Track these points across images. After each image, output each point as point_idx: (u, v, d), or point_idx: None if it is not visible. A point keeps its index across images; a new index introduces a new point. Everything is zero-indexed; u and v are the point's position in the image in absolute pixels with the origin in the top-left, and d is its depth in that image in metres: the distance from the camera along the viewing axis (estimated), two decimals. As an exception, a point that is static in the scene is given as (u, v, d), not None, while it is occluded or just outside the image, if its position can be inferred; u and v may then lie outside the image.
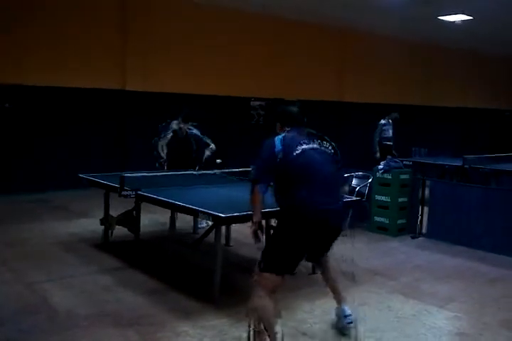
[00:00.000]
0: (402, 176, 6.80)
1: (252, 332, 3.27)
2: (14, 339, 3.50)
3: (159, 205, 4.74)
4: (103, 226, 5.80)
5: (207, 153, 6.87)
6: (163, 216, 6.47)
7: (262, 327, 3.20)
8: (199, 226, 6.37)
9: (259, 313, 3.21)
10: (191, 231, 6.38)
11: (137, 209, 5.35)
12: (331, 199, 3.30)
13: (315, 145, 3.37)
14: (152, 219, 6.75)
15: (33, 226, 6.66)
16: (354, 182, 7.21)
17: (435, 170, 9.55)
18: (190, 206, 4.25)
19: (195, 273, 5.01)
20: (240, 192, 4.52)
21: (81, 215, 7.37)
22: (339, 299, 3.78)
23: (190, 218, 5.89)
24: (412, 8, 10.28)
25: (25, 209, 7.69)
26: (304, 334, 3.68)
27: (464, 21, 11.35)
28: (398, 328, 3.83)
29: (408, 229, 6.78)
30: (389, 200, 6.76)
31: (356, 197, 5.98)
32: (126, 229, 5.53)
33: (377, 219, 6.87)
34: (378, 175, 6.89)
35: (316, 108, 11.85)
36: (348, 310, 3.71)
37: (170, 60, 10.30)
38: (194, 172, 6.20)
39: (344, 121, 13.25)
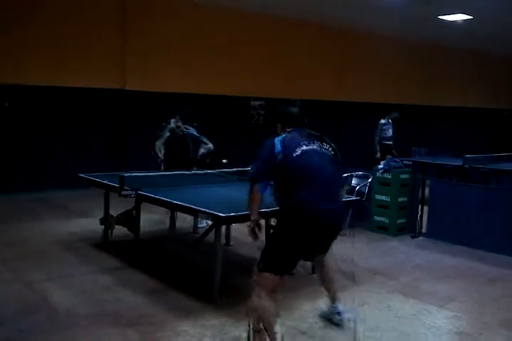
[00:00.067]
0: (402, 176, 6.81)
1: (251, 332, 3.28)
2: (14, 338, 3.50)
3: (159, 205, 4.74)
4: (103, 226, 5.80)
5: (202, 151, 6.84)
6: (163, 215, 6.48)
7: (262, 326, 3.20)
8: (199, 225, 6.37)
9: (259, 313, 3.21)
10: (191, 230, 6.39)
11: (137, 208, 5.35)
12: (331, 200, 3.31)
13: (315, 147, 3.37)
14: (152, 219, 6.75)
15: (33, 225, 6.66)
16: (354, 181, 7.21)
17: (435, 170, 9.55)
18: (190, 205, 4.25)
19: (195, 272, 5.01)
20: (240, 192, 4.51)
21: (81, 215, 7.37)
22: (334, 298, 3.82)
23: (190, 218, 5.89)
24: (412, 7, 10.28)
25: (25, 209, 7.69)
26: (304, 333, 3.69)
27: (464, 21, 11.35)
28: (398, 328, 3.84)
29: (408, 229, 6.78)
30: (389, 200, 6.76)
31: (356, 196, 5.99)
32: (126, 229, 5.54)
33: (377, 218, 6.87)
34: (378, 174, 6.89)
35: (315, 107, 11.84)
36: (341, 308, 3.76)
37: (170, 59, 10.30)
38: (196, 172, 6.20)
39: (344, 120, 13.26)
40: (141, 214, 5.39)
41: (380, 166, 6.90)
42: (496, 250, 5.89)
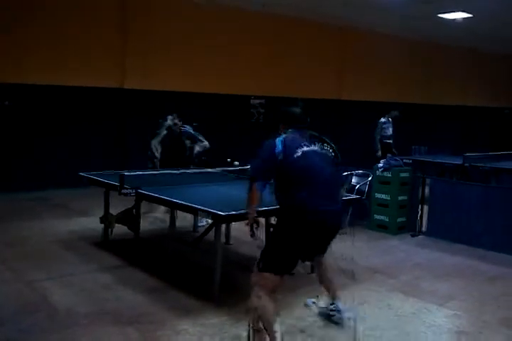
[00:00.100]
0: (402, 174, 6.81)
1: (251, 331, 3.28)
2: (14, 338, 3.50)
3: (159, 203, 4.74)
4: (103, 225, 5.80)
5: (197, 149, 6.82)
6: (162, 214, 6.48)
7: (262, 326, 3.21)
8: (199, 224, 6.37)
9: (259, 313, 3.22)
10: (191, 229, 6.38)
11: (137, 207, 5.35)
12: (331, 201, 3.33)
13: (316, 148, 3.39)
14: (152, 218, 6.75)
15: (33, 224, 6.66)
16: (354, 180, 7.21)
17: (435, 169, 9.55)
18: (190, 204, 4.25)
19: (195, 271, 5.01)
20: (240, 191, 4.51)
21: (81, 214, 7.37)
22: (334, 296, 3.84)
23: (190, 216, 5.89)
24: (412, 6, 10.28)
25: (25, 208, 7.68)
26: (303, 332, 3.69)
27: (464, 19, 11.33)
28: (398, 326, 3.84)
29: (408, 228, 6.78)
30: (389, 198, 6.76)
31: (356, 195, 5.99)
32: (126, 228, 5.53)
33: (377, 217, 6.87)
34: (378, 173, 6.89)
35: (316, 106, 11.83)
36: (340, 307, 3.78)
37: (169, 59, 10.29)
38: (197, 171, 6.20)
39: (344, 119, 13.25)
40: (141, 213, 5.40)
41: (380, 165, 6.90)
42: (496, 248, 5.89)
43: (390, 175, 6.78)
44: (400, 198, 6.75)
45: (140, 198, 5.04)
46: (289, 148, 3.29)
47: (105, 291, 4.38)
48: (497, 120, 17.51)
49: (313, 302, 4.03)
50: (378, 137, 10.61)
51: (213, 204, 4.15)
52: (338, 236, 3.48)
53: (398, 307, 4.21)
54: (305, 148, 3.32)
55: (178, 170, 6.04)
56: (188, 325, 3.74)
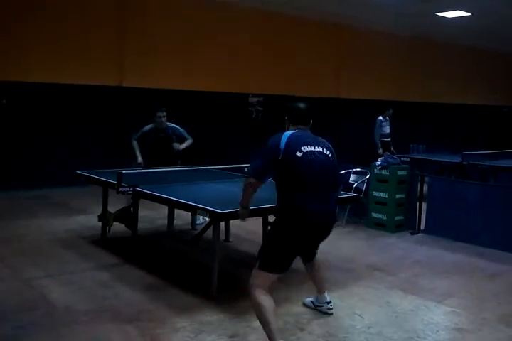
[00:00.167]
0: (400, 172, 6.81)
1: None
2: (13, 335, 3.49)
3: (157, 201, 4.73)
4: (101, 223, 5.79)
5: (182, 145, 6.73)
6: (161, 212, 6.47)
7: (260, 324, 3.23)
8: (197, 222, 6.36)
9: (256, 311, 3.24)
10: (189, 227, 6.38)
11: (135, 205, 5.34)
12: (327, 202, 3.40)
13: (316, 149, 3.41)
14: (150, 216, 6.75)
15: (31, 222, 6.65)
16: (352, 178, 7.22)
17: (433, 167, 9.55)
18: (188, 202, 4.25)
19: (193, 269, 5.01)
20: (238, 188, 4.50)
21: (79, 212, 7.36)
22: (322, 289, 3.96)
23: (188, 214, 5.88)
24: (411, 4, 10.28)
25: (24, 206, 7.67)
26: (302, 329, 3.68)
27: (462, 17, 11.34)
28: (397, 323, 3.84)
29: (406, 226, 6.78)
30: (386, 197, 6.75)
31: (354, 193, 5.99)
32: (123, 226, 5.52)
33: (374, 215, 6.87)
34: (376, 171, 6.88)
35: (314, 105, 11.79)
36: (328, 298, 3.94)
37: (168, 58, 10.27)
38: (196, 169, 6.18)
39: (342, 117, 13.23)
40: (139, 211, 5.39)
41: (378, 163, 6.89)
42: (495, 246, 5.89)
43: (387, 173, 6.77)
44: (398, 196, 6.75)
45: (138, 196, 5.03)
46: (291, 146, 3.32)
47: (104, 289, 4.37)
48: (496, 118, 17.52)
49: (311, 301, 4.04)
50: (378, 135, 10.59)
51: (211, 202, 4.15)
52: (334, 229, 3.54)
53: (397, 304, 4.21)
54: (307, 149, 3.35)
55: (175, 168, 6.01)
56: (187, 322, 3.73)
